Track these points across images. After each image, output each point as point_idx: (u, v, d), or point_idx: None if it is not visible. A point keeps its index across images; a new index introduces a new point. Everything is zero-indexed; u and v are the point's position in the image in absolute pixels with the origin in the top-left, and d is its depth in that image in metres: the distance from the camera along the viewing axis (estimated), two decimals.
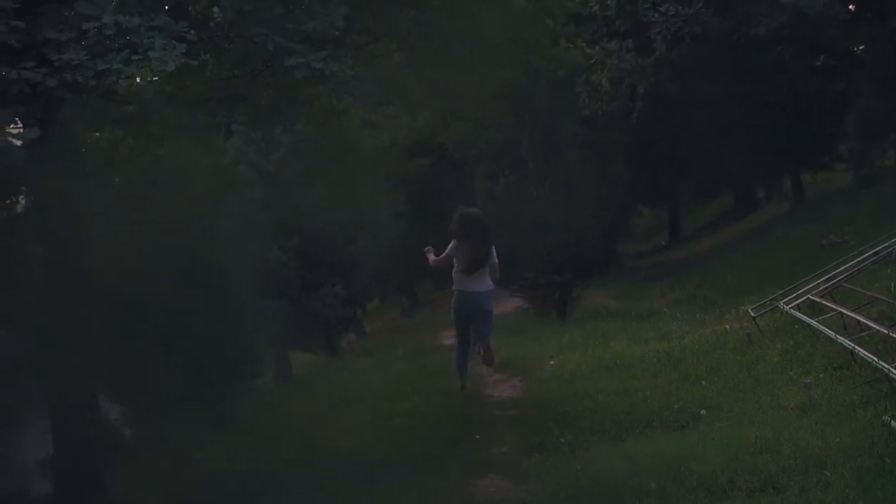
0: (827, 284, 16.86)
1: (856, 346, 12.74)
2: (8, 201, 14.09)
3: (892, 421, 10.03)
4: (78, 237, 11.77)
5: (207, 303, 14.69)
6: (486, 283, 12.29)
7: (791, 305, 16.41)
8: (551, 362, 18.99)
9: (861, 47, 29.60)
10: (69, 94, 10.24)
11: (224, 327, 15.06)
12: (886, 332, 12.64)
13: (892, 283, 15.42)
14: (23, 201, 14.08)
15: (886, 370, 11.33)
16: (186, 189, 15.15)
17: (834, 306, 15.15)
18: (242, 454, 13.41)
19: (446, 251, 12.26)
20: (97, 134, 14.41)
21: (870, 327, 13.34)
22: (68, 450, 12.11)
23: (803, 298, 16.52)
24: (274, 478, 12.61)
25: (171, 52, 9.69)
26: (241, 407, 16.63)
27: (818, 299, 16.10)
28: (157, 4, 10.50)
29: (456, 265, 12.20)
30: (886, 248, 17.49)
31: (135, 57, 9.70)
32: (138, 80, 10.24)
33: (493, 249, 12.27)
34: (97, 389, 12.75)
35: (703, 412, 13.12)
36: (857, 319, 13.93)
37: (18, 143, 11.94)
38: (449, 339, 24.41)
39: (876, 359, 11.91)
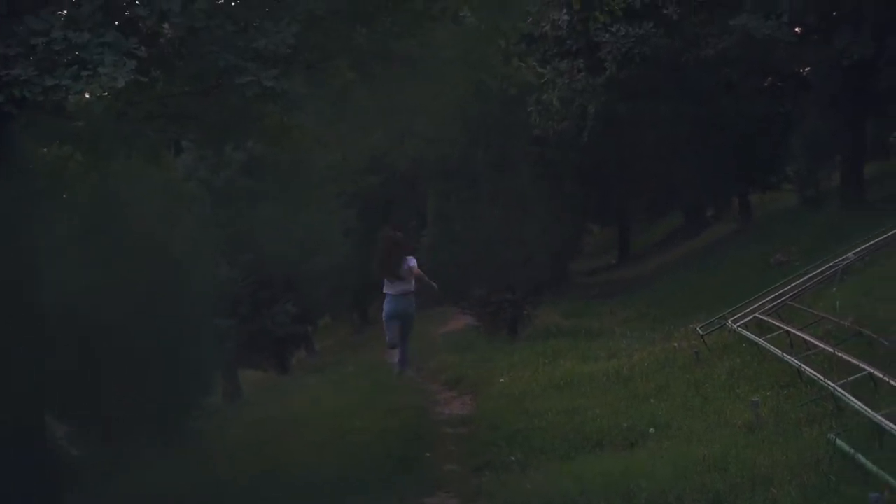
0: (774, 303, 17.05)
1: (802, 365, 12.91)
2: None
3: (838, 439, 10.16)
4: (25, 254, 11.64)
5: (157, 320, 14.57)
6: (410, 286, 15.03)
7: (739, 324, 16.58)
8: (501, 380, 19.02)
9: (807, 69, 30.04)
10: (17, 110, 10.13)
11: (174, 345, 14.94)
12: (832, 350, 12.80)
13: (838, 303, 15.62)
14: None
15: (832, 388, 11.49)
16: (136, 205, 15.05)
17: (781, 325, 15.33)
18: (191, 474, 13.29)
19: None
20: (45, 150, 14.25)
21: (815, 346, 13.51)
22: (13, 470, 11.93)
23: (750, 317, 16.69)
24: (224, 498, 12.51)
25: (121, 68, 9.60)
26: (191, 426, 16.49)
27: (765, 318, 16.28)
28: (107, 20, 10.42)
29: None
30: (832, 267, 17.73)
31: (84, 73, 9.60)
32: (87, 96, 10.14)
33: (412, 260, 14.93)
34: (44, 408, 12.60)
35: (651, 430, 13.22)
36: (803, 338, 14.10)
37: None
38: (398, 355, 24.44)
39: (822, 377, 12.08)
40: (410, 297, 15.16)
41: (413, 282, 14.95)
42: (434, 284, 15.04)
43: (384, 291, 15.07)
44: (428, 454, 14.73)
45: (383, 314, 15.38)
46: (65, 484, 12.82)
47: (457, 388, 20.14)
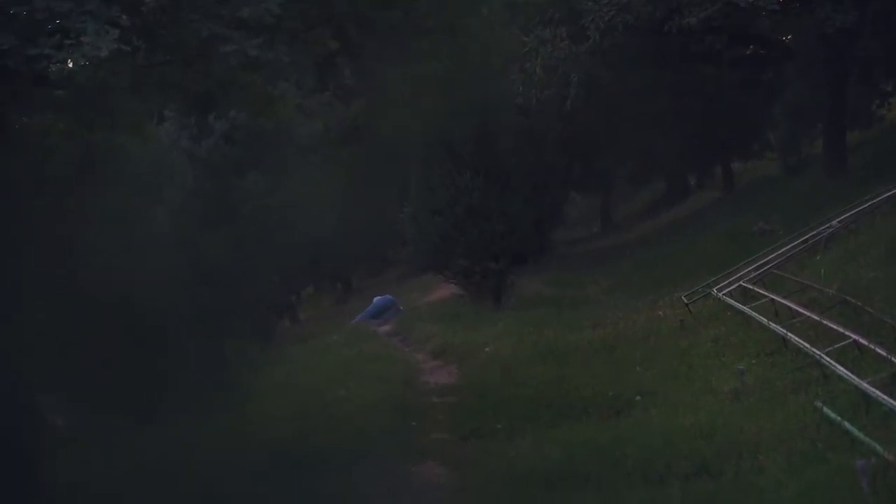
0: (758, 272, 17.09)
1: (787, 333, 12.94)
2: None
3: (824, 406, 10.20)
4: (10, 226, 11.55)
5: (140, 291, 14.49)
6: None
7: (723, 292, 16.61)
8: (487, 349, 19.04)
9: (789, 37, 29.97)
10: None
11: (157, 316, 14.87)
12: (817, 318, 12.83)
13: (822, 270, 15.68)
14: None
15: (818, 356, 11.52)
16: (121, 176, 14.95)
17: (765, 293, 15.35)
18: (175, 446, 13.27)
19: None
20: (25, 119, 14.11)
21: (800, 314, 13.54)
22: None
23: (735, 285, 16.73)
24: (207, 469, 12.49)
25: (103, 37, 9.50)
26: (176, 396, 16.44)
27: (750, 286, 16.31)
28: None
29: None
30: (815, 235, 17.77)
31: (67, 42, 9.51)
32: (70, 65, 10.04)
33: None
34: (29, 379, 12.54)
35: (638, 398, 13.26)
36: (788, 306, 14.13)
37: None
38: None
39: (807, 345, 12.11)
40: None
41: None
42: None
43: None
44: (414, 423, 14.76)
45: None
46: (47, 453, 12.76)
47: (442, 357, 20.15)
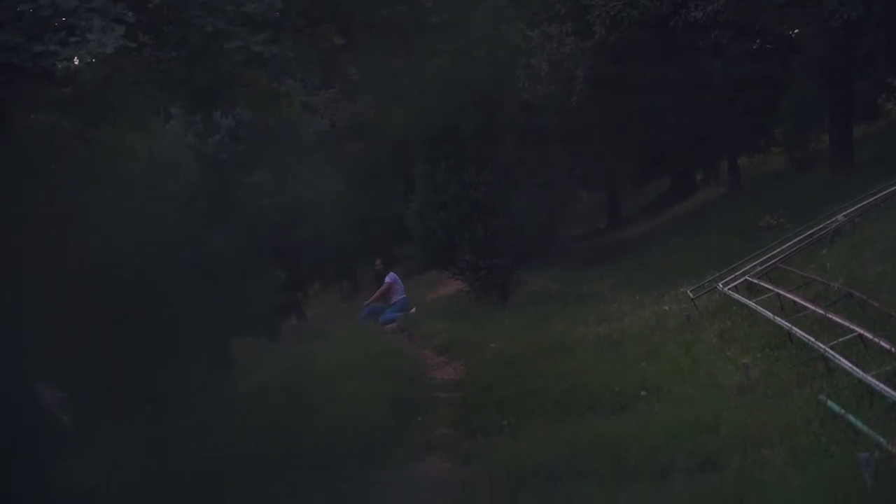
0: (763, 266, 17.07)
1: (792, 327, 12.92)
2: None
3: (828, 400, 10.20)
4: (17, 223, 11.60)
5: (146, 289, 14.54)
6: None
7: (729, 287, 16.59)
8: (492, 345, 19.07)
9: (796, 31, 29.94)
10: (4, 77, 10.07)
11: (164, 314, 14.93)
12: (822, 312, 12.82)
13: (828, 264, 15.63)
14: None
15: (822, 350, 11.51)
16: (127, 173, 15.01)
17: (771, 287, 15.34)
18: (182, 443, 13.30)
19: None
20: (31, 117, 14.16)
21: (806, 308, 13.53)
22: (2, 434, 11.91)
23: (741, 280, 16.70)
24: (214, 465, 12.52)
25: (109, 34, 9.54)
26: (183, 393, 16.49)
27: (755, 280, 16.30)
28: None
29: None
30: (821, 229, 17.72)
31: (72, 39, 9.54)
32: (76, 62, 10.07)
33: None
34: (36, 375, 12.59)
35: (643, 393, 13.26)
36: (793, 300, 14.12)
37: None
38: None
39: (812, 339, 12.10)
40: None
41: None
42: None
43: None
44: (420, 419, 14.79)
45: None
46: (54, 450, 12.81)
47: (448, 353, 20.19)
